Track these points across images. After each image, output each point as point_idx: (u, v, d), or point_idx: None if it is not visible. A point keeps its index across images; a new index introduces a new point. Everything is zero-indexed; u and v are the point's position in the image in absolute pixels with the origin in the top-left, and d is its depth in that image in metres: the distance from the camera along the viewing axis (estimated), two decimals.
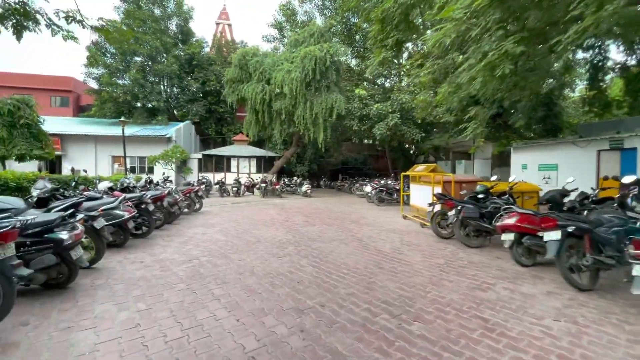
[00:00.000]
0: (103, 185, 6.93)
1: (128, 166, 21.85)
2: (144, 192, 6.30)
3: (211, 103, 28.53)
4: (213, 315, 3.09)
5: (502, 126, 16.10)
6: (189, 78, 27.33)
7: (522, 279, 4.35)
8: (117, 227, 5.45)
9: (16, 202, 4.02)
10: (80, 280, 3.97)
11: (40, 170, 5.82)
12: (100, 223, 4.33)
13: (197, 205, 10.78)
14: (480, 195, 6.70)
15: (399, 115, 16.83)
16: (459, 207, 6.27)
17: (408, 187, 12.08)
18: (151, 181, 10.16)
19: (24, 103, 7.52)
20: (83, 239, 4.36)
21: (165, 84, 27.63)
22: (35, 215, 3.52)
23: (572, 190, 5.72)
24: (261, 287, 3.87)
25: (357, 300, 3.51)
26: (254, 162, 24.43)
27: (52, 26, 4.61)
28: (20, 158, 7.35)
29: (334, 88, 18.29)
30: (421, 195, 9.38)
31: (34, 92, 33.32)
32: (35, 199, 4.94)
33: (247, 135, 23.24)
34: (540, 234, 4.46)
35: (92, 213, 4.32)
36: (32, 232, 3.35)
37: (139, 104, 26.89)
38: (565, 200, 5.49)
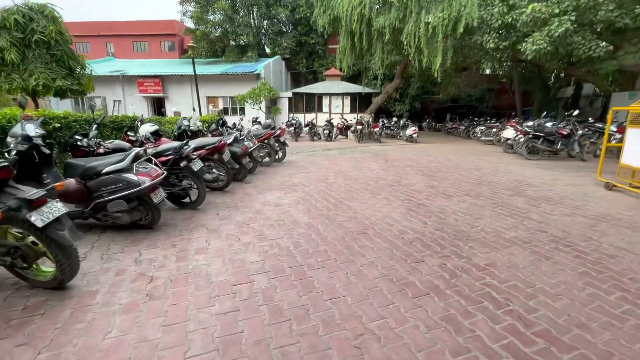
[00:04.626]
0: (145, 130, 5.00)
1: (220, 107, 21.36)
2: (185, 143, 4.02)
3: (301, 34, 25.40)
4: None
5: None
6: (278, 6, 24.31)
7: None
8: (137, 201, 3.33)
9: None
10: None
11: (22, 107, 3.86)
12: (45, 215, 2.08)
13: (280, 154, 8.54)
14: None
15: (572, 18, 10.73)
16: None
17: (618, 135, 7.29)
18: (223, 123, 8.15)
19: (38, 12, 5.73)
20: (35, 243, 2.22)
21: (254, 14, 25.27)
22: None
23: None
24: None
25: None
26: (347, 101, 21.12)
27: None
28: (59, 93, 5.76)
29: None
30: None
31: (147, 39, 35.70)
32: (14, 153, 3.07)
33: (341, 69, 19.74)
34: None
35: (30, 195, 2.06)
36: None
37: (231, 43, 25.69)
38: None
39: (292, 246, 3.21)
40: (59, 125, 4.17)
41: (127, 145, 4.22)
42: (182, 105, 20.52)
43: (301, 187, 5.79)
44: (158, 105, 22.56)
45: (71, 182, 3.12)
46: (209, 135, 7.28)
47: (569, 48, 11.62)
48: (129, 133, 5.04)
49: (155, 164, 3.50)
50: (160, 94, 20.91)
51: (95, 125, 4.13)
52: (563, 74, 21.43)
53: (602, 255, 3.06)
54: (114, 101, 21.18)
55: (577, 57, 12.17)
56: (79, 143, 3.90)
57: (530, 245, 3.25)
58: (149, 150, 3.76)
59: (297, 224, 3.84)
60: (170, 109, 21.50)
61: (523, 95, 23.83)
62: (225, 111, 21.08)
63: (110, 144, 4.11)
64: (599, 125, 11.22)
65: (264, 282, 2.52)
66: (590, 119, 12.42)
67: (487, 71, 27.64)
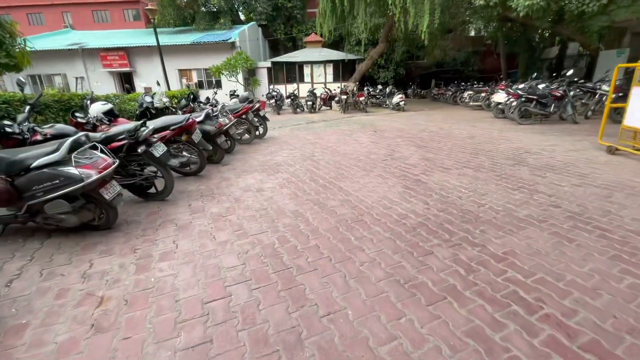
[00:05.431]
0: (96, 109, 4.24)
1: (195, 80, 19.91)
2: (141, 123, 3.34)
3: None
4: None
5: None
6: None
7: None
8: (83, 199, 2.72)
9: None
10: None
11: None
12: None
13: (260, 130, 7.86)
14: None
15: None
16: None
17: (622, 94, 6.85)
18: (194, 98, 7.32)
19: None
20: None
21: None
22: None
23: None
24: None
25: None
26: (330, 69, 20.06)
27: None
28: None
29: None
30: None
31: (108, 7, 32.57)
32: None
33: (321, 35, 18.51)
34: None
35: None
36: None
37: (202, 9, 23.55)
38: None
39: (277, 243, 2.72)
40: None
41: (72, 129, 3.51)
42: (153, 80, 18.92)
43: (285, 166, 5.23)
44: (127, 81, 20.84)
45: None
46: (179, 112, 6.51)
47: (561, 3, 10.98)
48: (77, 114, 4.25)
49: (103, 152, 2.85)
50: (127, 69, 19.23)
51: (27, 107, 3.37)
52: (548, 34, 20.90)
53: (628, 232, 2.72)
54: (76, 78, 19.36)
55: (569, 13, 11.58)
56: (8, 130, 3.17)
57: (548, 225, 2.88)
58: (95, 135, 3.09)
59: (283, 213, 3.33)
60: (139, 85, 19.85)
61: (508, 57, 23.34)
62: (200, 85, 19.69)
63: (50, 128, 3.38)
64: (589, 85, 10.88)
65: (243, 296, 2.04)
66: (576, 78, 12.08)
67: (472, 33, 26.78)
